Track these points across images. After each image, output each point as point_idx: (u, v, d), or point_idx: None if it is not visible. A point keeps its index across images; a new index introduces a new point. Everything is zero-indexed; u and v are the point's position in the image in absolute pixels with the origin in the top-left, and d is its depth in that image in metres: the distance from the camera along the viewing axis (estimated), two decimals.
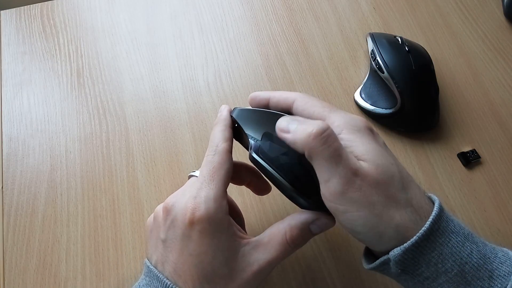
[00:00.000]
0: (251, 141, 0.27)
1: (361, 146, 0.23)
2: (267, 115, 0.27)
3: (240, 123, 0.28)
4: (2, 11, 0.48)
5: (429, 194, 0.25)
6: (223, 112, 0.29)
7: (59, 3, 0.48)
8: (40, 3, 0.48)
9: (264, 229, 0.27)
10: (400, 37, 0.41)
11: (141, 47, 0.45)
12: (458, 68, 0.43)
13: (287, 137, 0.24)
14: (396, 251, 0.22)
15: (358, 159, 0.23)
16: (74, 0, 0.48)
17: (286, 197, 0.26)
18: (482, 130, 0.40)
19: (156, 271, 0.25)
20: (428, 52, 0.41)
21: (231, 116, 0.29)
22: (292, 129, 0.23)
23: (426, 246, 0.21)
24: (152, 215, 0.28)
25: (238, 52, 0.45)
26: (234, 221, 0.27)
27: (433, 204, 0.23)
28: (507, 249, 0.24)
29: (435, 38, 0.45)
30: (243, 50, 0.45)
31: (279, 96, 0.26)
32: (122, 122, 0.41)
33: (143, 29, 0.46)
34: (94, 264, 0.35)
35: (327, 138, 0.22)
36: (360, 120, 0.24)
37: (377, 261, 0.23)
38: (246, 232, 0.31)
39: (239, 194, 0.37)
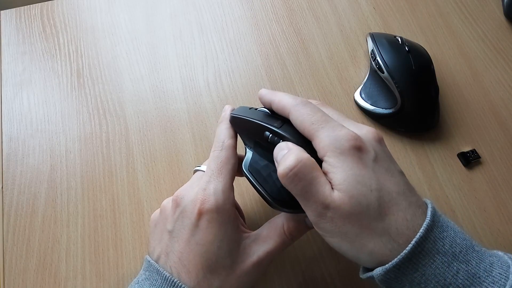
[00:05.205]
0: (246, 148, 0.29)
1: (340, 173, 0.23)
2: (255, 125, 0.27)
3: (235, 129, 0.29)
4: (2, 11, 0.48)
5: (427, 202, 0.24)
6: (227, 112, 0.30)
7: (59, 3, 0.48)
8: (40, 3, 0.48)
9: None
10: (400, 37, 0.41)
11: (141, 47, 0.45)
12: (458, 68, 0.43)
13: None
14: (378, 271, 0.22)
15: (335, 188, 0.23)
16: (74, 0, 0.48)
17: (275, 209, 0.27)
18: (482, 130, 0.40)
19: (157, 265, 0.26)
20: (428, 52, 0.41)
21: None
22: (278, 161, 0.24)
23: (407, 267, 0.22)
24: (158, 210, 0.29)
25: (238, 52, 0.45)
26: (238, 215, 0.28)
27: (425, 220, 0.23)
28: (510, 263, 0.22)
29: (435, 38, 0.45)
30: (243, 50, 0.45)
31: (277, 103, 0.26)
32: (122, 122, 0.41)
33: (143, 29, 0.46)
34: (94, 264, 0.35)
35: (293, 178, 0.23)
36: (347, 138, 0.23)
37: (364, 276, 0.24)
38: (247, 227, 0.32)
39: (239, 193, 0.37)
